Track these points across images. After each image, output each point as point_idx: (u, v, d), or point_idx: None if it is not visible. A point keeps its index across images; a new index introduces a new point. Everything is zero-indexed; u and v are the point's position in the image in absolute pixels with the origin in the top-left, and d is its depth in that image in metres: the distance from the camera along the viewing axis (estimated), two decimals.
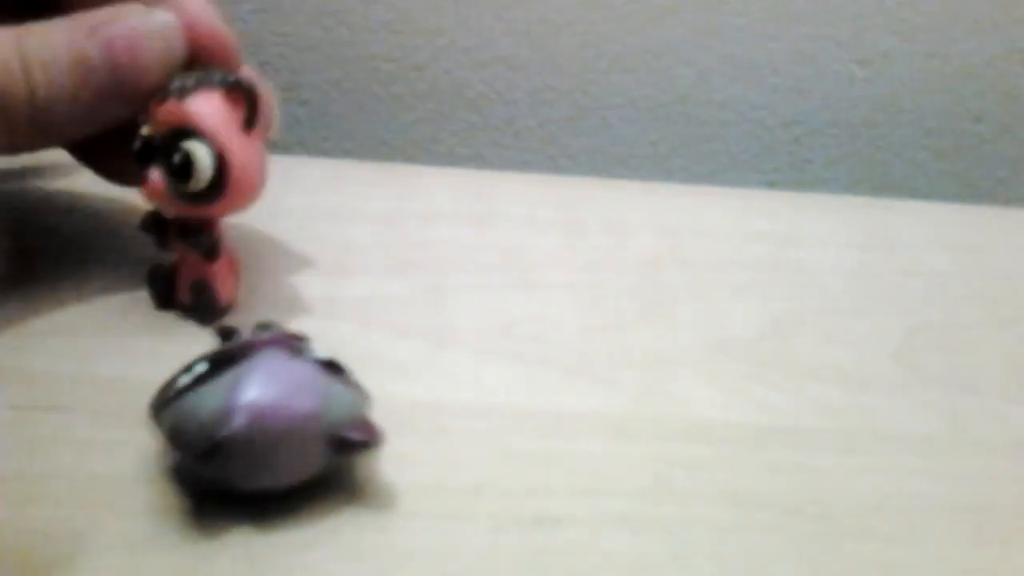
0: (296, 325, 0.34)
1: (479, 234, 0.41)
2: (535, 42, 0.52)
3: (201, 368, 0.26)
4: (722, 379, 0.35)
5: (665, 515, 0.29)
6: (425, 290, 0.38)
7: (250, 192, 0.33)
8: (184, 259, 0.34)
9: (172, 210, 0.33)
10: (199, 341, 0.31)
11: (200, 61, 0.33)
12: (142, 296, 0.35)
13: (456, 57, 0.52)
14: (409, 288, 0.38)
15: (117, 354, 0.33)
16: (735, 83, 0.53)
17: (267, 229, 0.40)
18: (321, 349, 0.29)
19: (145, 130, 0.32)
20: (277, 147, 0.55)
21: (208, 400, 0.26)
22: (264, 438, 0.25)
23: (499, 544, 0.28)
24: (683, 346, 0.36)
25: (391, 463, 0.30)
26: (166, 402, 0.26)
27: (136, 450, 0.28)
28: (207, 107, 0.31)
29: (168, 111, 0.31)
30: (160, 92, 0.32)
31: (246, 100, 0.32)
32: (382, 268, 0.39)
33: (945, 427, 0.34)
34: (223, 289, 0.34)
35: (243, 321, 0.34)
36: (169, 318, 0.35)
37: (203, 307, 0.34)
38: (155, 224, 0.34)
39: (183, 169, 0.31)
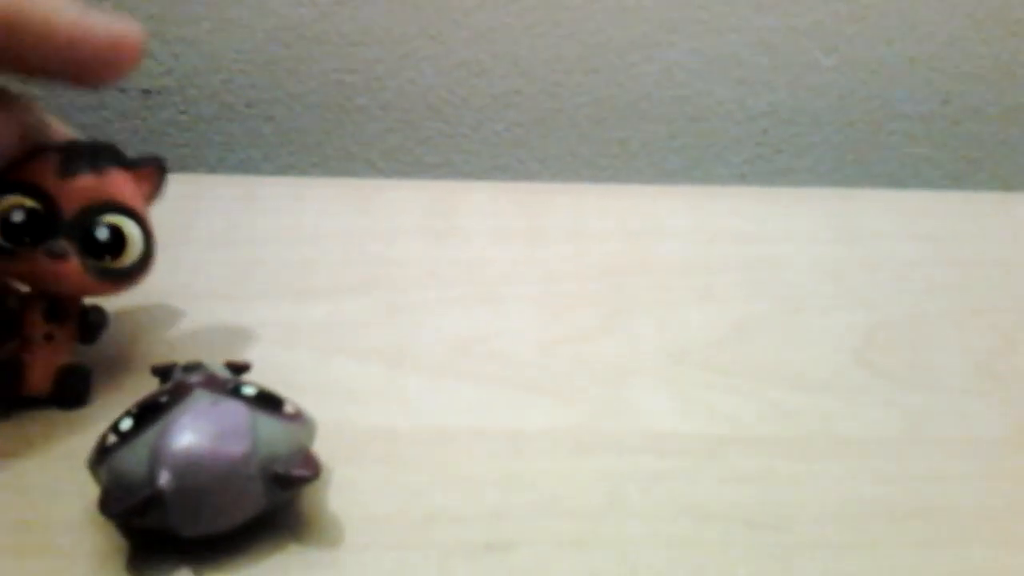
0: (253, 353, 0.34)
1: (441, 249, 0.41)
2: (497, 46, 0.51)
3: (126, 425, 0.26)
4: (681, 389, 0.35)
5: (618, 534, 0.29)
6: (384, 311, 0.38)
7: None
8: (44, 343, 0.31)
9: (78, 292, 0.31)
10: (144, 380, 0.31)
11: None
12: None
13: (418, 65, 0.52)
14: (368, 309, 0.38)
15: None
16: (700, 78, 0.52)
17: (230, 254, 0.40)
18: (260, 380, 0.29)
19: (23, 201, 0.29)
20: (244, 165, 0.55)
21: (136, 456, 0.26)
22: (195, 488, 0.25)
23: (449, 573, 0.28)
24: (643, 356, 0.36)
25: (342, 494, 0.30)
26: (99, 459, 0.26)
27: (82, 493, 0.28)
28: (127, 184, 0.31)
29: (87, 186, 0.30)
30: (62, 168, 0.30)
31: (157, 176, 0.32)
32: (342, 289, 0.39)
33: (905, 428, 0.33)
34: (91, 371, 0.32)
35: (201, 352, 0.35)
36: (108, 355, 0.34)
37: (76, 394, 0.32)
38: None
39: (111, 245, 0.30)
